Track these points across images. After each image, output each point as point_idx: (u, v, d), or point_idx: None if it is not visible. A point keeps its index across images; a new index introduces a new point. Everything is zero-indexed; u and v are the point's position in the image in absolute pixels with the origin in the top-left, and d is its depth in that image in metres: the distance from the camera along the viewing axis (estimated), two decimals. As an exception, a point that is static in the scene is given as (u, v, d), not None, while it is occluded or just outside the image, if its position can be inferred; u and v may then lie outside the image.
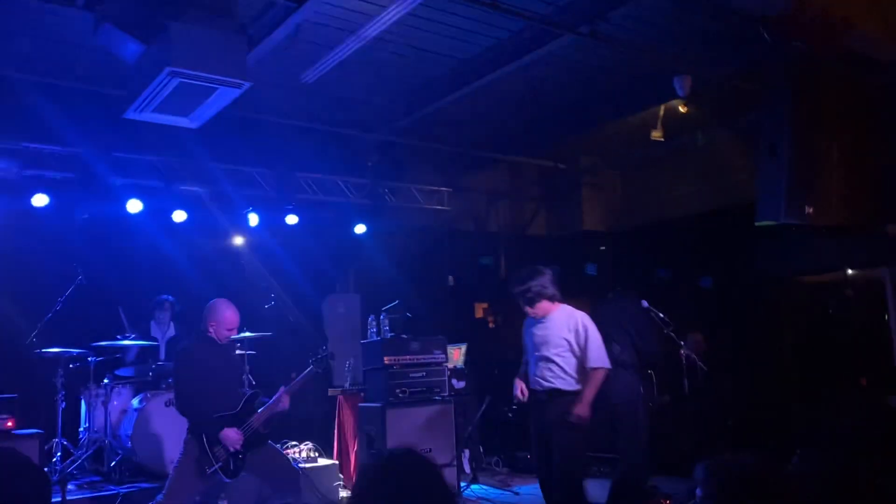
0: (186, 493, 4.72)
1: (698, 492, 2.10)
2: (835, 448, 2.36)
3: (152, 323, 7.25)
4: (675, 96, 6.55)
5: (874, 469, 2.31)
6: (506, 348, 8.47)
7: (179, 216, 7.29)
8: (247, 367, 6.81)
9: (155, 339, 7.10)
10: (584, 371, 5.00)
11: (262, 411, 4.82)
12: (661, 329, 6.10)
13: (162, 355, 7.05)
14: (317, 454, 6.83)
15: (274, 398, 4.85)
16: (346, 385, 7.36)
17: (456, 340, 7.82)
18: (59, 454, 6.10)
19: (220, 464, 4.62)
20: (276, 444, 5.29)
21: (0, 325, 6.45)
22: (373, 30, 5.44)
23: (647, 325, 6.04)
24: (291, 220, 7.87)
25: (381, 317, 7.09)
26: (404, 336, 6.95)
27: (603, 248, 9.16)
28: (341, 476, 6.81)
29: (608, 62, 6.38)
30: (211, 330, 4.83)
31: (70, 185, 6.79)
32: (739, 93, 6.71)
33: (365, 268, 8.73)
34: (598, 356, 4.98)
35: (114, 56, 4.84)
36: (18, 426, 5.43)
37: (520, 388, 5.19)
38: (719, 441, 6.97)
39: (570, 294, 9.12)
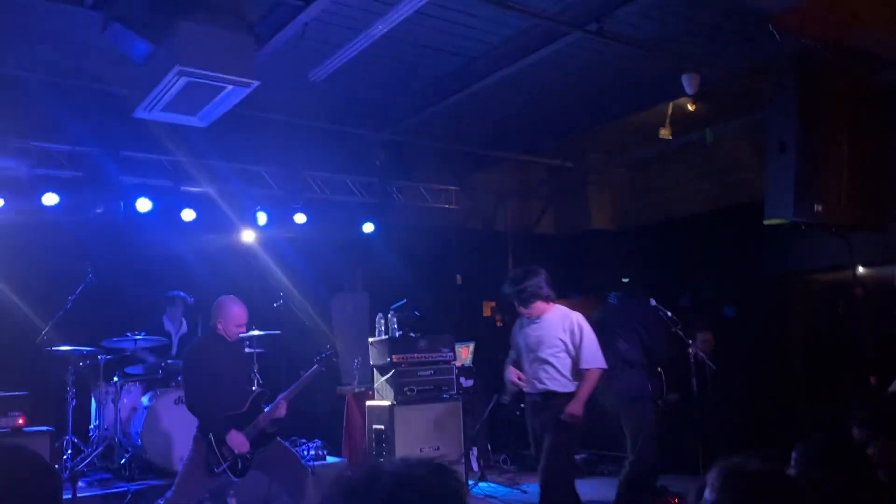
0: (195, 490, 4.74)
1: (707, 495, 2.09)
2: (840, 448, 2.35)
3: (164, 318, 7.28)
4: (684, 94, 6.54)
5: (882, 468, 2.30)
6: (514, 347, 8.48)
7: (188, 215, 7.33)
8: (255, 366, 6.83)
9: (167, 335, 7.13)
10: (579, 372, 4.96)
11: (263, 415, 4.83)
12: (669, 327, 6.09)
13: (174, 351, 7.08)
14: (325, 452, 6.85)
15: (272, 405, 4.87)
16: (355, 383, 7.38)
17: (464, 339, 7.83)
18: (69, 451, 6.14)
19: (227, 463, 4.64)
20: (286, 441, 5.31)
21: (11, 324, 6.49)
22: (381, 28, 5.44)
23: (656, 323, 6.03)
24: (300, 218, 7.89)
25: (390, 315, 7.11)
26: (412, 334, 6.96)
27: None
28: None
29: (616, 60, 6.36)
30: (220, 327, 4.85)
31: (80, 184, 6.83)
32: (748, 90, 6.69)
33: (373, 266, 8.74)
34: (594, 357, 4.94)
35: (123, 55, 4.86)
36: (29, 423, 5.47)
37: (515, 374, 5.12)
38: (728, 440, 6.95)
39: (578, 292, 9.12)
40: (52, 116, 6.28)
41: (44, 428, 5.60)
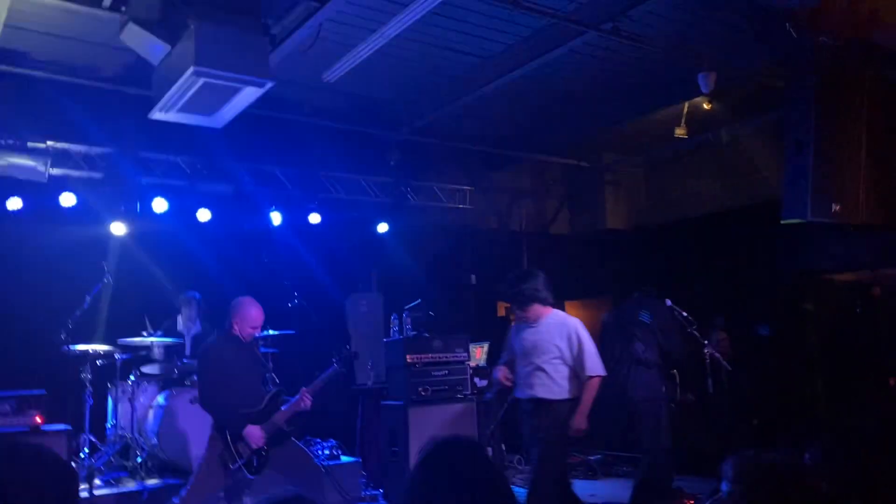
0: (210, 488, 4.76)
1: (723, 486, 2.09)
2: (856, 445, 2.33)
3: (178, 318, 7.32)
4: (700, 93, 6.49)
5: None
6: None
7: (204, 215, 7.36)
8: (270, 366, 6.85)
9: (181, 335, 7.17)
10: (574, 379, 4.85)
11: (284, 409, 4.85)
12: (684, 328, 6.05)
13: (188, 351, 7.12)
14: (340, 452, 6.86)
15: (296, 398, 4.88)
16: (369, 383, 7.38)
17: (478, 339, 7.82)
18: (86, 450, 6.18)
19: (243, 460, 4.66)
20: (300, 441, 5.32)
21: (30, 323, 6.55)
22: (395, 28, 5.45)
23: (672, 324, 5.99)
24: (314, 218, 7.91)
25: (404, 315, 7.11)
26: (426, 334, 6.96)
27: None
28: (364, 473, 6.83)
29: (631, 59, 6.33)
30: (235, 327, 4.87)
31: (97, 185, 6.88)
32: (765, 89, 6.63)
33: (387, 266, 8.74)
34: (594, 364, 4.84)
35: (139, 56, 4.89)
36: (47, 422, 5.51)
37: (503, 373, 5.05)
38: (744, 441, 6.90)
39: (593, 293, 9.10)
40: (69, 117, 6.33)
41: (61, 426, 5.64)
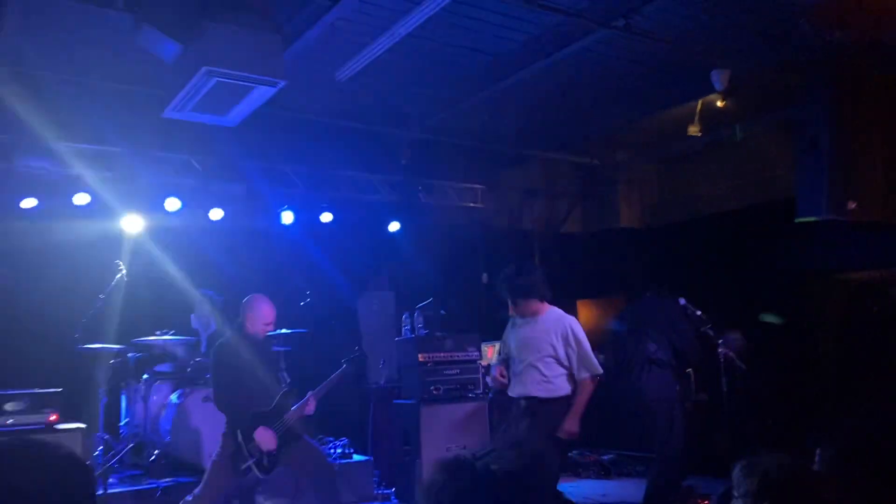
0: (222, 487, 4.78)
1: (734, 492, 2.07)
2: (866, 448, 2.30)
3: (192, 317, 7.35)
4: (713, 90, 6.45)
5: None
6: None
7: (216, 214, 7.39)
8: (283, 364, 6.87)
9: (195, 333, 7.20)
10: (570, 378, 4.75)
11: (291, 412, 4.86)
12: (698, 327, 6.01)
13: (203, 349, 7.15)
14: (352, 451, 6.87)
15: (301, 402, 4.90)
16: (381, 382, 7.39)
17: (490, 338, 7.80)
18: (100, 448, 6.22)
19: (253, 460, 4.67)
20: (313, 439, 5.33)
21: (45, 322, 6.59)
22: (407, 26, 5.44)
23: (685, 323, 5.94)
24: (326, 217, 7.92)
25: (416, 314, 7.12)
26: (438, 333, 6.96)
27: None
28: (376, 472, 6.84)
29: (644, 56, 6.30)
30: (247, 325, 4.89)
31: (110, 184, 6.92)
32: (779, 86, 6.58)
33: (399, 265, 8.75)
34: (590, 364, 4.72)
35: (152, 56, 4.91)
36: (62, 420, 5.55)
37: (498, 371, 4.98)
38: (757, 441, 6.86)
39: (605, 292, 9.06)
40: (83, 117, 6.36)
41: (76, 425, 5.68)
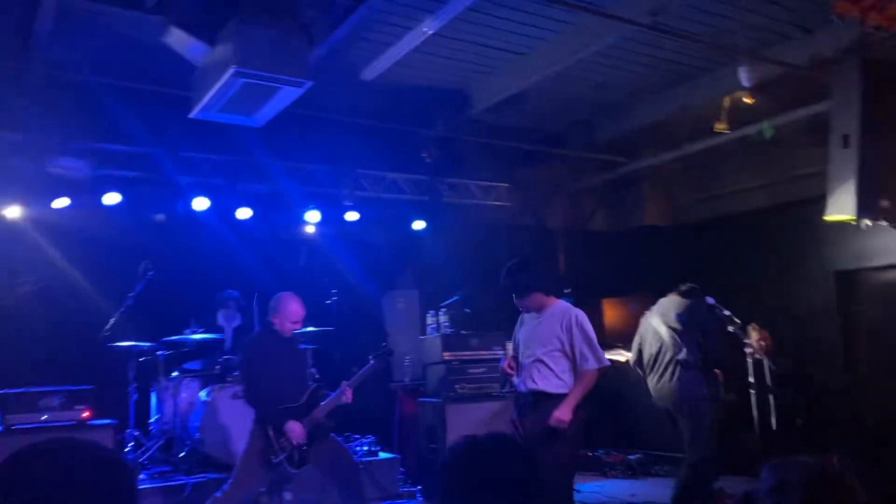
0: (252, 482, 4.83)
1: (762, 495, 2.06)
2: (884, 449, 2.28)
3: (219, 316, 7.43)
4: (740, 87, 6.38)
5: None
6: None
7: (244, 213, 7.46)
8: (310, 361, 6.92)
9: (221, 330, 7.28)
10: (576, 372, 4.63)
11: (325, 404, 4.90)
12: (726, 327, 5.94)
13: (227, 346, 7.22)
14: (378, 448, 6.91)
15: (338, 391, 4.93)
16: (406, 380, 7.42)
17: (515, 336, 7.80)
18: (131, 444, 6.31)
19: (285, 454, 4.72)
20: (339, 437, 5.37)
21: (77, 320, 6.70)
22: (432, 25, 5.45)
23: (713, 323, 5.87)
24: (351, 216, 7.96)
25: (440, 312, 7.13)
26: (463, 332, 6.97)
27: None
28: (402, 470, 6.87)
29: (670, 53, 6.26)
30: (276, 322, 4.94)
31: (140, 184, 7.01)
32: (808, 82, 6.49)
33: (424, 263, 8.76)
34: (593, 356, 4.59)
35: (181, 58, 4.97)
36: (94, 417, 5.64)
37: (507, 363, 4.90)
38: (788, 442, 6.78)
39: (632, 291, 9.00)
40: (113, 118, 6.45)
41: (107, 421, 5.77)
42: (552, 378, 4.59)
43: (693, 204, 9.38)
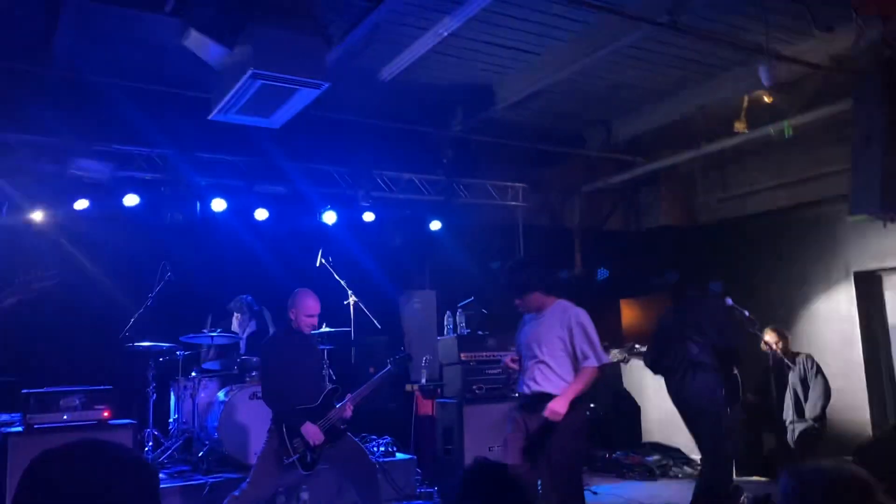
0: (268, 482, 4.85)
1: (780, 499, 2.05)
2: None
3: (233, 320, 7.48)
4: (760, 86, 6.32)
5: None
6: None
7: (261, 214, 7.49)
8: (326, 362, 6.95)
9: (236, 334, 7.32)
10: (577, 372, 4.53)
11: (339, 406, 4.91)
12: (744, 328, 5.89)
13: (242, 350, 7.27)
14: (395, 449, 6.91)
15: (342, 403, 4.95)
16: (423, 381, 7.42)
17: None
18: (150, 444, 6.36)
19: (297, 455, 4.72)
20: (356, 437, 5.38)
21: (97, 320, 6.77)
22: (449, 26, 5.44)
23: (729, 324, 5.81)
24: (368, 217, 7.98)
25: (458, 313, 7.12)
26: (480, 332, 6.96)
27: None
28: (419, 471, 6.87)
29: (689, 52, 6.21)
30: (292, 317, 4.96)
31: (158, 186, 7.06)
32: (829, 80, 6.42)
33: (440, 264, 8.77)
34: (595, 354, 4.51)
35: (199, 60, 4.99)
36: (114, 416, 5.68)
37: (509, 357, 4.86)
38: (807, 444, 6.72)
39: (649, 291, 8.95)
40: (132, 120, 6.50)
41: (127, 421, 5.81)
42: (555, 379, 4.51)
43: (711, 204, 9.32)
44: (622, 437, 8.35)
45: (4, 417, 5.55)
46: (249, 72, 4.46)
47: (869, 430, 7.17)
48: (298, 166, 7.67)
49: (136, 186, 6.91)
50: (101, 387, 5.72)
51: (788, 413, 6.81)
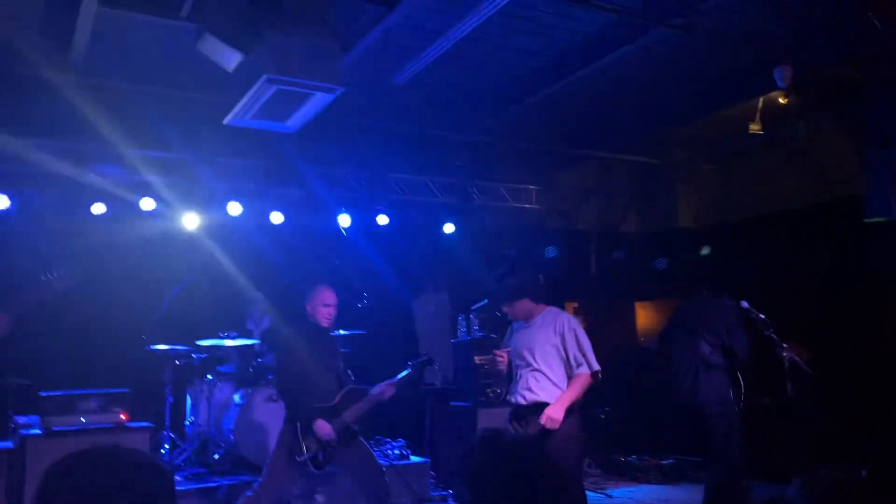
0: (281, 481, 4.85)
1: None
2: None
3: (247, 320, 7.51)
4: (775, 87, 6.29)
5: None
6: (597, 348, 8.33)
7: (277, 218, 7.53)
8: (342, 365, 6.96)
9: (251, 334, 7.36)
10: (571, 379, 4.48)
11: (356, 407, 4.91)
12: (758, 331, 5.85)
13: (257, 347, 7.29)
14: (409, 452, 6.92)
15: (380, 386, 4.97)
16: (437, 384, 7.42)
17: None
18: (167, 446, 6.41)
19: (309, 454, 4.72)
20: (370, 440, 5.38)
21: (114, 324, 6.82)
22: (462, 30, 5.46)
23: (742, 327, 5.77)
24: (382, 220, 8.00)
25: (472, 316, 7.12)
26: (494, 335, 6.95)
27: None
28: (433, 474, 6.87)
29: (703, 54, 6.18)
30: (309, 311, 4.99)
31: (175, 189, 7.12)
32: (845, 81, 6.37)
33: (454, 267, 8.77)
34: (588, 361, 4.46)
35: (215, 64, 5.03)
36: (131, 419, 5.73)
37: (504, 351, 4.75)
38: (824, 449, 6.66)
39: (665, 293, 8.89)
40: (148, 125, 6.56)
41: (144, 424, 5.86)
42: (550, 387, 4.45)
43: (726, 205, 9.27)
44: (637, 441, 8.32)
45: (23, 420, 5.60)
46: (264, 77, 4.49)
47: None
48: (313, 170, 7.71)
49: (152, 190, 6.96)
50: (119, 390, 5.77)
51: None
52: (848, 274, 7.69)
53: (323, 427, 4.73)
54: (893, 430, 6.87)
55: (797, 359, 6.23)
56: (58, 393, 5.54)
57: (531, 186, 9.03)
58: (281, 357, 5.07)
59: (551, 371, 4.46)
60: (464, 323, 7.37)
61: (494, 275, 4.82)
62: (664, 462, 7.83)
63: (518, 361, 4.62)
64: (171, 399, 6.53)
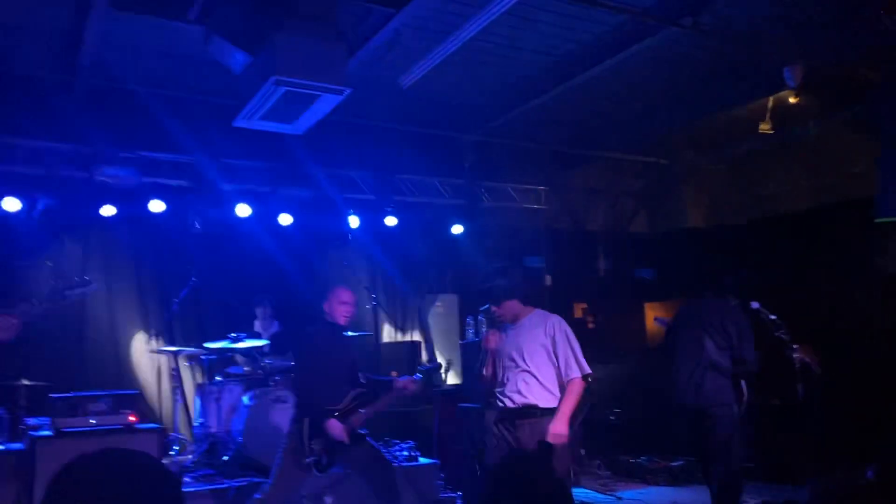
0: (289, 484, 4.84)
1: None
2: None
3: (255, 323, 7.53)
4: (785, 87, 6.25)
5: None
6: (606, 349, 8.32)
7: (285, 219, 7.54)
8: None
9: (259, 335, 7.37)
10: (562, 383, 4.42)
11: (365, 411, 4.90)
12: (769, 332, 5.79)
13: (267, 349, 7.30)
14: (417, 453, 6.90)
15: (405, 380, 4.99)
16: (446, 385, 7.41)
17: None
18: (176, 448, 6.41)
19: (314, 457, 4.71)
20: (378, 441, 5.37)
21: (125, 325, 6.85)
22: (469, 31, 5.45)
23: (750, 329, 5.72)
24: (390, 221, 8.00)
25: (479, 317, 7.10)
26: (503, 337, 6.90)
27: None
28: (442, 475, 6.86)
29: (712, 54, 6.15)
30: (327, 309, 4.99)
31: (184, 191, 7.14)
32: (855, 80, 6.33)
33: (462, 268, 8.77)
34: (579, 365, 4.39)
35: (223, 67, 5.04)
36: (140, 421, 5.74)
37: (493, 336, 4.60)
38: (834, 452, 6.61)
39: (674, 294, 8.85)
40: (157, 127, 6.58)
41: (153, 425, 5.86)
42: (541, 390, 4.38)
43: (736, 205, 9.22)
44: (647, 443, 8.28)
45: (33, 422, 5.61)
46: (272, 79, 4.50)
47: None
48: (322, 171, 7.72)
49: (161, 192, 6.98)
50: (128, 391, 5.79)
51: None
52: (859, 275, 7.64)
53: (335, 427, 4.73)
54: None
55: (808, 360, 6.19)
56: (67, 394, 5.55)
57: (539, 187, 9.02)
58: (300, 352, 5.07)
59: (539, 372, 4.40)
60: (472, 324, 7.34)
61: (483, 275, 4.76)
62: (674, 464, 7.79)
63: (506, 363, 4.53)
64: (180, 401, 6.55)
